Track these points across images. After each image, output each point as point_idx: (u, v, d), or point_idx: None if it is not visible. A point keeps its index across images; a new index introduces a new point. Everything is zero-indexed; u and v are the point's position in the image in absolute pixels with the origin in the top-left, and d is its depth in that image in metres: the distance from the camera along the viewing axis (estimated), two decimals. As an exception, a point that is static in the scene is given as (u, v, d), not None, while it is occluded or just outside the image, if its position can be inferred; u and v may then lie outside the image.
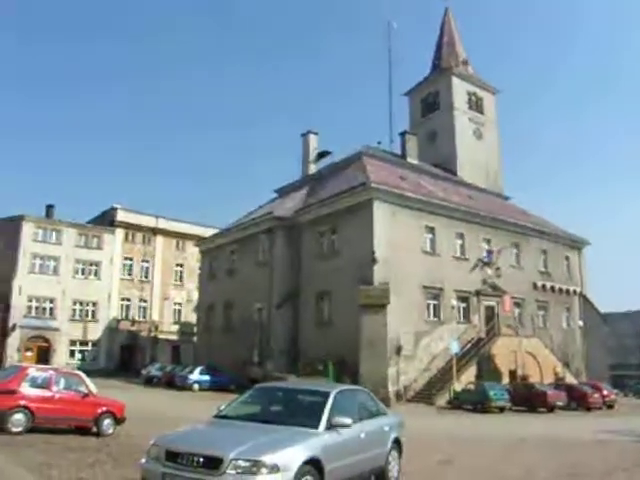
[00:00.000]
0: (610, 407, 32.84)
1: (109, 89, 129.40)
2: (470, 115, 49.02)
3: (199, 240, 50.52)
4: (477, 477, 11.21)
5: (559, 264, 42.89)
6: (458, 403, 28.71)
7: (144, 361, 49.29)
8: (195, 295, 51.78)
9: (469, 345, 33.88)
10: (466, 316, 35.47)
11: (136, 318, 52.70)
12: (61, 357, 46.08)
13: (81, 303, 49.36)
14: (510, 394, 28.51)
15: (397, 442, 9.46)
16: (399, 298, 31.20)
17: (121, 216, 52.91)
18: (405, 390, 30.82)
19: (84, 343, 49.07)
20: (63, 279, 48.13)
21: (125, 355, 50.96)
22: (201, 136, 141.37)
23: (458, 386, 29.71)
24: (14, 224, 46.81)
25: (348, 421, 7.60)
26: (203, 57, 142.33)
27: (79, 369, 23.02)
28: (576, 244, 45.10)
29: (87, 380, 15.07)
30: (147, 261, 54.45)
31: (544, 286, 40.67)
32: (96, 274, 50.53)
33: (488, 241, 37.74)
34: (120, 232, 52.51)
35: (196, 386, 34.21)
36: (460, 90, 49.16)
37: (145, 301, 53.93)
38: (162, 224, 55.51)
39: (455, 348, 31.14)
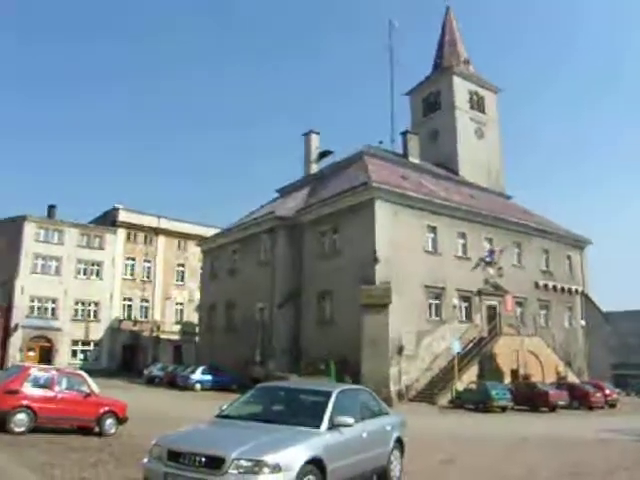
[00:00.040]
0: (612, 406, 32.83)
1: (109, 89, 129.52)
2: (471, 114, 48.98)
3: (201, 240, 50.54)
4: (479, 476, 11.21)
5: (561, 263, 42.85)
6: (460, 403, 28.73)
7: (146, 361, 49.34)
8: (197, 295, 51.79)
9: (471, 344, 33.86)
10: (468, 315, 35.47)
11: (138, 318, 52.76)
12: (63, 357, 46.14)
13: (83, 303, 49.42)
14: (512, 393, 28.53)
15: (399, 442, 9.45)
16: (401, 297, 31.19)
17: (123, 216, 52.97)
18: (407, 390, 30.82)
19: (86, 343, 49.14)
20: (65, 279, 48.18)
21: (127, 355, 51.01)
22: (201, 136, 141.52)
23: (460, 386, 29.72)
24: (16, 224, 46.88)
25: (350, 421, 7.60)
26: (203, 57, 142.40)
27: (81, 369, 23.09)
28: (578, 243, 45.05)
29: (89, 380, 15.08)
30: (149, 261, 54.49)
31: (546, 285, 40.64)
32: (98, 274, 50.58)
33: (490, 240, 37.72)
34: (122, 232, 52.57)
35: (198, 386, 34.24)
36: (461, 89, 49.12)
37: (147, 301, 53.97)
38: (164, 224, 55.57)
39: (457, 347, 31.13)
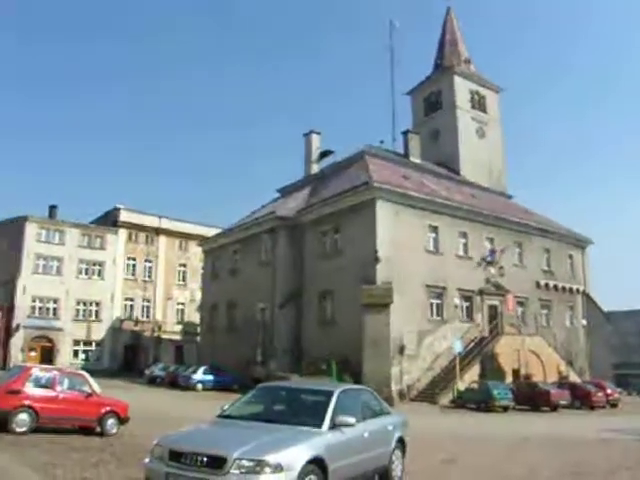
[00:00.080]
0: (614, 406, 32.82)
1: (109, 89, 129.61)
2: (473, 114, 48.97)
3: (202, 240, 50.56)
4: (480, 476, 11.20)
5: (562, 263, 42.82)
6: (461, 402, 28.73)
7: (147, 361, 49.40)
8: (198, 295, 51.83)
9: (472, 344, 33.86)
10: (469, 315, 35.47)
11: (139, 318, 52.81)
12: (65, 357, 46.20)
13: (84, 303, 49.49)
14: (513, 393, 28.52)
15: (401, 441, 9.44)
16: (402, 297, 31.19)
17: (124, 216, 53.01)
18: (408, 389, 30.83)
19: (88, 343, 49.22)
20: (66, 279, 48.24)
21: (128, 355, 51.07)
22: (201, 136, 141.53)
23: (461, 385, 29.72)
24: (18, 225, 46.95)
25: (352, 420, 7.59)
26: (203, 57, 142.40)
27: (83, 369, 23.10)
28: (579, 243, 45.03)
29: (91, 380, 15.08)
30: (150, 261, 54.55)
31: (547, 285, 40.64)
32: (99, 274, 50.65)
33: (491, 240, 37.71)
34: (123, 232, 52.63)
35: (199, 386, 34.26)
36: (462, 89, 49.11)
37: (148, 301, 54.02)
38: (165, 224, 55.62)
39: (458, 347, 31.13)
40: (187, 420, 10.56)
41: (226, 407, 8.44)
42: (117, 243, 52.04)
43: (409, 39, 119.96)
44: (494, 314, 36.36)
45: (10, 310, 45.06)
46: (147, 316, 53.58)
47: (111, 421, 14.23)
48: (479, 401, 27.75)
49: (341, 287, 33.18)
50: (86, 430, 14.13)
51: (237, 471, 6.19)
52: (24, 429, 12.87)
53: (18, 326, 45.00)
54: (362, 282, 31.21)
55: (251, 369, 34.88)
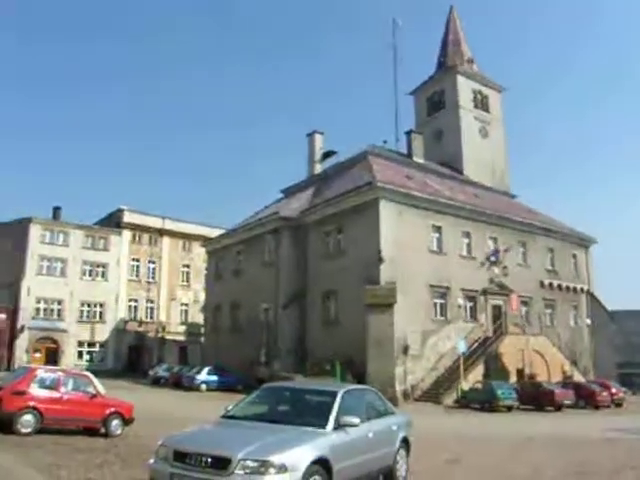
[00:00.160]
0: (618, 405, 32.74)
1: (109, 89, 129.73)
2: (476, 113, 48.95)
3: (205, 241, 50.63)
4: (485, 476, 11.19)
5: (566, 262, 42.77)
6: (465, 402, 28.69)
7: (151, 362, 49.44)
8: (202, 296, 51.92)
9: (476, 344, 33.82)
10: (473, 315, 35.43)
11: (143, 319, 52.87)
12: (69, 358, 46.28)
13: (89, 304, 49.57)
14: (518, 393, 28.47)
15: (405, 441, 9.45)
16: (406, 297, 31.18)
17: (128, 217, 53.09)
18: (412, 389, 30.82)
19: (92, 344, 49.30)
20: (71, 281, 48.34)
21: (133, 356, 51.13)
22: (201, 136, 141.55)
23: (465, 385, 29.69)
24: (22, 226, 47.05)
25: (356, 421, 7.59)
26: (203, 57, 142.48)
27: (87, 370, 23.12)
28: (583, 242, 44.96)
29: (95, 381, 15.13)
30: (154, 262, 54.61)
31: (551, 284, 40.57)
32: (103, 275, 50.74)
33: (495, 240, 37.67)
34: (127, 233, 52.69)
35: (203, 386, 34.28)
36: (465, 88, 49.11)
37: (152, 302, 54.08)
38: (168, 225, 55.68)
39: (462, 347, 31.11)
40: (191, 421, 10.57)
41: (230, 408, 8.45)
42: (121, 244, 52.12)
43: (411, 39, 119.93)
44: (498, 314, 36.32)
45: (15, 311, 45.16)
46: (151, 317, 53.65)
47: (115, 422, 14.26)
48: (483, 401, 27.72)
49: (345, 287, 33.18)
50: (90, 431, 14.16)
51: (242, 472, 6.19)
52: (29, 430, 12.91)
53: (23, 327, 45.11)
54: (366, 282, 31.20)
55: (255, 369, 34.91)
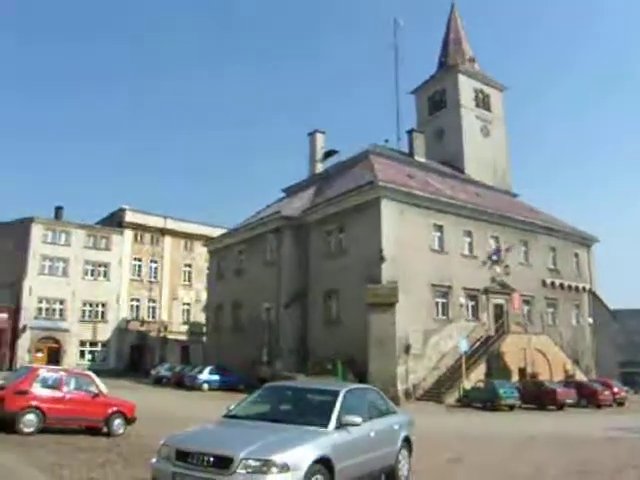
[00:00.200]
0: (620, 404, 32.70)
1: (109, 89, 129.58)
2: (477, 112, 48.94)
3: (207, 240, 50.66)
4: (487, 475, 11.19)
5: (568, 261, 42.74)
6: (467, 401, 28.71)
7: (153, 361, 49.51)
8: (204, 295, 51.94)
9: (478, 343, 33.81)
10: (475, 314, 35.42)
11: (145, 318, 52.92)
12: (71, 358, 46.33)
13: (90, 304, 49.62)
14: (520, 392, 28.48)
15: (407, 441, 9.45)
16: (407, 296, 31.18)
17: (129, 217, 53.13)
18: (414, 388, 30.82)
19: (94, 344, 49.34)
20: (72, 280, 48.38)
21: (135, 355, 51.18)
22: (201, 136, 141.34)
23: (467, 384, 29.70)
24: (24, 226, 47.10)
25: (358, 420, 7.60)
26: (203, 57, 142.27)
27: (89, 369, 23.19)
28: (585, 241, 44.92)
29: (97, 380, 15.16)
30: (155, 261, 54.64)
31: (553, 283, 40.55)
32: (105, 275, 50.78)
33: (496, 239, 37.64)
34: (129, 233, 52.73)
35: (205, 386, 34.32)
36: (467, 87, 49.09)
37: (154, 301, 54.12)
38: (170, 224, 55.71)
39: (464, 346, 31.11)
40: (193, 420, 10.58)
41: (232, 407, 8.46)
42: (123, 244, 52.15)
43: (412, 38, 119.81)
44: (500, 313, 36.32)
45: (17, 311, 45.22)
46: (153, 316, 53.69)
47: (118, 421, 14.29)
48: (485, 400, 27.71)
49: (346, 286, 33.18)
50: (93, 430, 14.19)
51: (244, 471, 6.20)
52: (31, 429, 12.94)
53: (25, 327, 45.17)
54: (367, 281, 31.20)
55: (257, 369, 34.93)
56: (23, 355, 44.23)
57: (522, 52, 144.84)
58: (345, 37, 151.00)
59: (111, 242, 51.54)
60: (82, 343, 48.52)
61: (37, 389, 13.43)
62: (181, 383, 36.00)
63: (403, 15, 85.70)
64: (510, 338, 34.23)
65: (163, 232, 55.14)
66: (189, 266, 56.76)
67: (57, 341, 46.85)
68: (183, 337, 54.50)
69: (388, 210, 32.49)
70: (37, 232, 47.38)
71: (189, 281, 56.65)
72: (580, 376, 36.27)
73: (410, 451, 9.59)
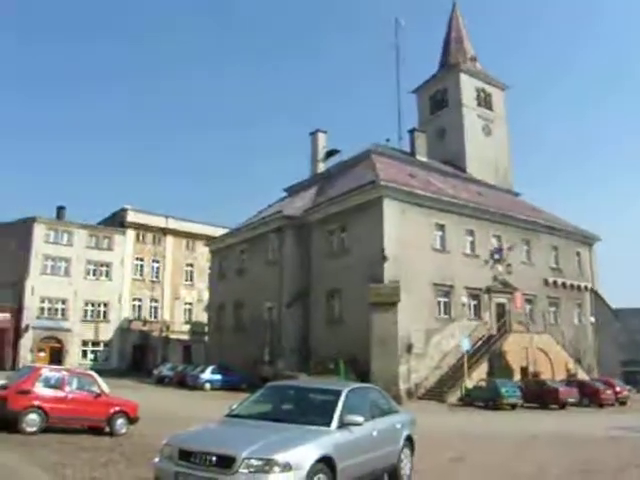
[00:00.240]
0: (622, 403, 32.67)
1: (109, 89, 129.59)
2: (479, 111, 48.90)
3: (209, 240, 50.72)
4: (489, 474, 11.18)
5: (570, 260, 42.69)
6: (469, 400, 28.70)
7: (156, 361, 49.56)
8: (206, 295, 51.98)
9: (480, 342, 33.80)
10: (477, 313, 35.40)
11: (147, 318, 52.98)
12: (73, 357, 46.41)
13: (93, 304, 49.70)
14: (522, 391, 28.48)
15: (409, 440, 9.44)
16: (409, 296, 31.17)
17: (131, 217, 53.20)
18: (416, 388, 30.83)
19: (96, 343, 49.43)
20: (74, 280, 48.45)
21: (137, 355, 51.25)
22: (201, 136, 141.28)
23: (469, 383, 29.69)
24: (26, 226, 47.17)
25: (360, 419, 7.59)
26: (203, 57, 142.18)
27: (91, 369, 23.18)
28: (587, 240, 44.86)
29: (99, 380, 15.16)
30: (157, 261, 54.71)
31: (555, 282, 40.50)
32: (107, 275, 50.85)
33: (498, 238, 37.61)
34: (131, 233, 52.79)
35: (208, 385, 34.36)
36: (468, 86, 49.05)
37: (156, 301, 54.19)
38: (172, 224, 55.78)
39: (466, 345, 31.09)
40: (196, 420, 10.58)
41: (234, 406, 8.46)
42: (125, 244, 52.21)
43: (412, 38, 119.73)
44: (502, 312, 36.29)
45: (19, 311, 45.31)
46: (155, 316, 53.75)
47: (120, 421, 14.31)
48: (487, 399, 27.72)
49: (348, 286, 33.19)
50: (95, 430, 14.21)
51: (246, 470, 6.21)
52: (34, 429, 12.97)
53: (27, 327, 45.25)
54: (369, 281, 31.20)
55: (259, 368, 34.93)
56: (25, 355, 44.32)
57: (522, 52, 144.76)
58: (345, 37, 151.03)
59: (113, 242, 51.61)
60: (84, 343, 48.62)
61: (39, 389, 13.45)
62: (183, 383, 36.04)
63: (403, 15, 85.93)
64: (512, 337, 34.22)
65: (165, 232, 55.20)
66: (191, 266, 56.82)
67: (59, 341, 46.94)
68: (185, 337, 54.57)
69: (390, 209, 32.48)
70: (39, 232, 47.46)
71: (191, 281, 56.71)
72: (582, 375, 36.26)
73: (412, 450, 9.58)
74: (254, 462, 6.23)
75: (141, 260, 53.63)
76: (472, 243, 36.15)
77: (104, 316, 50.16)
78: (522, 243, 39.16)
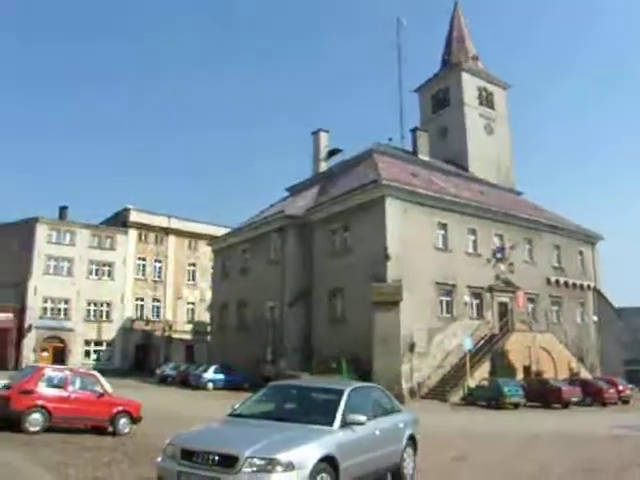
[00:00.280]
0: (625, 402, 32.63)
1: (109, 89, 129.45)
2: (481, 110, 48.85)
3: (211, 239, 50.76)
4: (491, 473, 11.18)
5: (573, 259, 42.65)
6: (472, 399, 28.69)
7: (158, 360, 49.60)
8: (208, 294, 52.03)
9: (482, 341, 33.78)
10: (479, 312, 35.38)
11: (150, 318, 53.02)
12: (76, 357, 46.49)
13: (95, 304, 49.76)
14: (524, 390, 28.46)
15: (412, 439, 9.44)
16: (412, 295, 31.17)
17: (134, 217, 53.23)
18: (419, 387, 30.81)
19: (99, 343, 49.49)
20: (77, 280, 48.52)
21: (139, 355, 51.30)
22: (201, 136, 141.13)
23: (472, 382, 29.68)
24: (28, 226, 47.24)
25: (362, 418, 7.60)
26: (203, 57, 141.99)
27: (94, 369, 23.24)
28: (589, 239, 44.82)
29: (102, 380, 15.21)
30: (160, 261, 54.76)
31: (558, 281, 40.47)
32: (109, 275, 50.90)
33: (501, 237, 37.59)
34: (133, 232, 52.84)
35: (210, 385, 34.38)
36: (470, 85, 49.00)
37: (159, 301, 54.24)
38: (174, 224, 55.82)
39: (468, 344, 31.07)
40: (198, 419, 10.60)
41: (237, 406, 8.48)
42: (127, 243, 52.27)
43: (413, 37, 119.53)
44: (504, 311, 36.28)
45: (22, 311, 45.38)
46: (157, 316, 53.81)
47: (123, 421, 14.34)
48: (490, 398, 27.71)
49: (351, 285, 33.20)
50: (98, 430, 14.24)
51: (249, 469, 6.22)
52: (37, 429, 13.01)
53: (30, 327, 45.32)
54: (372, 280, 31.20)
55: (261, 368, 34.97)
56: (28, 355, 44.39)
57: (522, 52, 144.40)
58: (346, 37, 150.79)
59: (115, 242, 51.66)
60: (87, 342, 48.68)
61: (42, 388, 13.49)
62: (186, 382, 36.05)
63: (404, 14, 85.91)
64: (515, 336, 34.19)
65: (167, 232, 55.25)
66: (193, 265, 56.86)
67: (62, 340, 47.01)
68: (188, 336, 54.60)
69: (392, 209, 32.47)
70: (42, 232, 47.53)
71: (193, 280, 56.75)
72: (585, 374, 36.22)
73: (415, 449, 9.59)
74: (257, 461, 6.24)
75: (143, 260, 53.67)
76: (474, 242, 36.13)
77: (107, 316, 50.22)
78: (524, 242, 39.14)
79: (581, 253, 43.69)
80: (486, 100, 49.62)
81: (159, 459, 7.03)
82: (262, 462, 6.24)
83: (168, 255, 55.22)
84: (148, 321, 52.63)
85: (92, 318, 49.27)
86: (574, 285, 41.58)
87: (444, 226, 34.72)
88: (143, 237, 53.82)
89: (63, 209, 51.28)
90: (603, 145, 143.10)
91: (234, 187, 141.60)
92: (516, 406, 27.39)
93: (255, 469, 6.22)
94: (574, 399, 29.28)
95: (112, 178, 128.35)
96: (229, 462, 6.31)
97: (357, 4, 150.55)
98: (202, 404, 24.92)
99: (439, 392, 30.35)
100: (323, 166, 45.54)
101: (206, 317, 52.26)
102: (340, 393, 8.03)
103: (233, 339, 41.27)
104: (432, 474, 10.38)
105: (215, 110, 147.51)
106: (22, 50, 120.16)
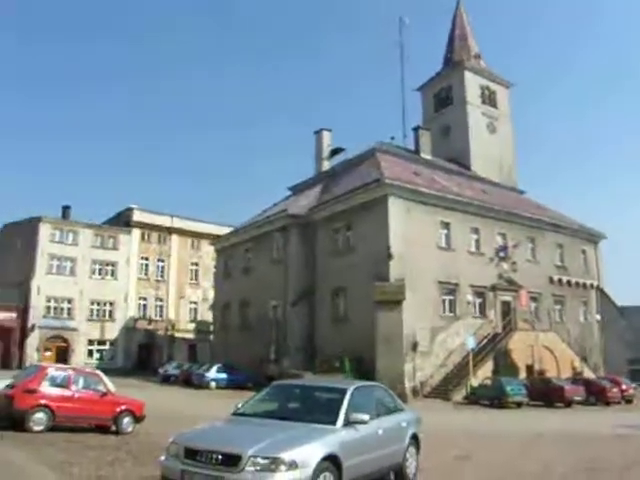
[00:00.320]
0: (629, 401, 32.53)
1: (109, 89, 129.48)
2: (483, 109, 48.79)
3: (214, 239, 50.75)
4: (494, 472, 11.17)
5: (575, 258, 42.59)
6: (475, 398, 28.66)
7: (161, 360, 49.69)
8: (211, 293, 52.05)
9: (485, 340, 33.74)
10: (482, 311, 35.35)
11: (153, 317, 53.12)
12: (79, 357, 46.58)
13: (98, 303, 49.85)
14: (527, 389, 28.41)
15: (415, 438, 9.45)
16: (415, 294, 31.16)
17: (137, 216, 53.33)
18: (421, 386, 30.81)
19: (102, 342, 49.58)
20: (80, 279, 48.60)
21: (142, 354, 51.38)
22: (201, 136, 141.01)
23: (475, 381, 29.64)
24: (32, 225, 47.36)
25: (365, 417, 7.61)
26: (203, 57, 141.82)
27: (97, 368, 23.29)
28: (592, 238, 44.75)
29: (105, 379, 15.22)
30: (163, 260, 54.82)
31: (560, 280, 40.41)
32: (113, 274, 50.98)
33: (503, 235, 37.55)
34: (136, 232, 52.90)
35: (213, 384, 34.42)
36: (473, 84, 48.92)
37: (161, 300, 54.30)
38: (177, 223, 55.89)
39: (471, 343, 31.03)
40: (202, 418, 10.60)
41: (240, 405, 8.49)
42: (130, 243, 52.35)
43: (415, 36, 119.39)
44: (507, 310, 36.24)
45: (25, 310, 45.49)
46: (160, 315, 53.88)
47: (126, 420, 14.37)
48: (492, 397, 27.68)
49: (354, 284, 33.19)
50: (102, 429, 14.28)
51: (252, 468, 6.24)
52: (41, 428, 13.04)
53: (33, 326, 45.42)
54: (375, 279, 31.20)
55: (264, 367, 35.00)
56: (32, 354, 44.49)
57: (523, 51, 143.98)
58: (346, 36, 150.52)
59: (118, 241, 51.74)
60: (90, 342, 48.78)
61: (46, 388, 13.52)
62: (189, 381, 36.11)
63: (405, 12, 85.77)
64: (517, 335, 34.16)
65: (170, 231, 55.31)
66: (196, 265, 56.91)
67: (65, 340, 47.11)
68: (190, 335, 54.66)
69: (395, 208, 32.47)
70: (45, 231, 47.60)
71: (196, 280, 56.81)
72: (588, 373, 36.18)
73: (418, 448, 9.59)
74: (260, 460, 6.26)
75: (146, 259, 53.75)
76: (477, 241, 36.11)
77: (110, 315, 50.31)
78: (527, 241, 39.09)
79: (584, 252, 43.62)
80: (489, 99, 49.55)
81: (162, 458, 7.05)
82: (265, 461, 6.25)
83: (171, 254, 55.28)
84: (151, 320, 52.70)
85: (95, 317, 49.35)
86: (577, 284, 41.53)
87: (447, 225, 34.70)
88: (146, 237, 53.88)
89: (66, 209, 51.36)
90: (603, 145, 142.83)
91: (235, 187, 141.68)
92: (519, 405, 27.36)
93: (258, 468, 6.23)
94: (577, 398, 29.23)
95: (113, 178, 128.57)
96: (232, 461, 6.32)
97: (357, 3, 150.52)
98: (205, 403, 24.96)
99: (442, 391, 30.35)
100: (326, 165, 45.52)
101: (209, 316, 52.32)
102: (343, 392, 8.05)
103: (236, 338, 41.28)
104: (435, 473, 10.38)
105: (215, 110, 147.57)
106: (22, 50, 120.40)
